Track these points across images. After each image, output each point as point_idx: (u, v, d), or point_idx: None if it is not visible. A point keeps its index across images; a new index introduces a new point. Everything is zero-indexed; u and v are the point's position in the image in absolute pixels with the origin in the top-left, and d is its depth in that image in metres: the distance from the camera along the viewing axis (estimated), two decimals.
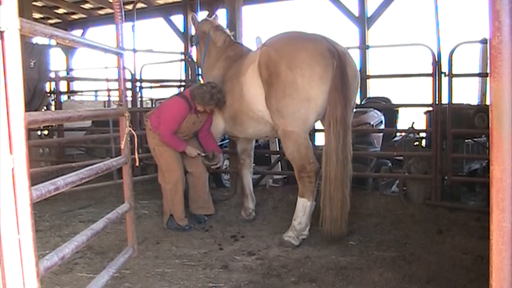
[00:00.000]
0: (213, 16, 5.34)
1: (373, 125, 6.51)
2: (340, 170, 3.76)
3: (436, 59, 4.87)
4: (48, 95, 7.13)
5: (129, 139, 2.73)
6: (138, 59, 7.02)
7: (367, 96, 8.48)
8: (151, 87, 8.01)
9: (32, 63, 6.15)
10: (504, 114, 1.19)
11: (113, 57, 3.01)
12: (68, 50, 11.74)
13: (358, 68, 8.50)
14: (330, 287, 3.13)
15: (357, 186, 5.64)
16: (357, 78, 4.05)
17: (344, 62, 3.81)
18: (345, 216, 3.86)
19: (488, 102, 2.10)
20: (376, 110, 6.68)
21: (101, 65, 10.75)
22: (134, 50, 6.96)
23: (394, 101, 7.13)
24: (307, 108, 3.81)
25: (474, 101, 6.70)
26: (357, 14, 9.18)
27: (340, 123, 3.74)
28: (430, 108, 5.12)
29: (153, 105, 8.19)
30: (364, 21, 9.09)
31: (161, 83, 7.82)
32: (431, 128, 5.04)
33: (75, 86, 11.26)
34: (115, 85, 6.98)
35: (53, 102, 7.51)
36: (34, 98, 6.32)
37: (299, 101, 3.78)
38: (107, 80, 6.97)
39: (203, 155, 4.56)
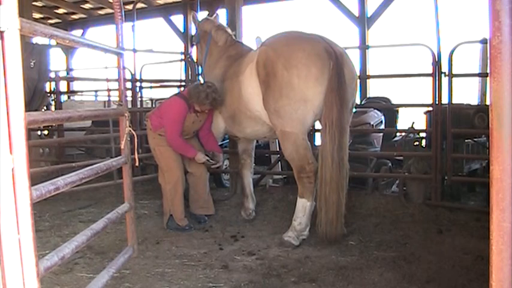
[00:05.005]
0: (214, 15, 5.34)
1: (373, 125, 6.51)
2: (335, 172, 3.75)
3: (436, 59, 4.87)
4: (48, 95, 7.13)
5: (129, 139, 2.74)
6: (138, 59, 7.03)
7: (367, 96, 8.48)
8: (151, 87, 8.01)
9: (32, 63, 6.15)
10: (504, 114, 1.19)
11: (113, 57, 3.01)
12: (68, 50, 11.74)
13: (358, 68, 8.52)
14: (330, 287, 3.13)
15: (357, 186, 5.64)
16: (354, 79, 4.03)
17: (341, 63, 3.79)
18: (340, 219, 3.86)
19: (488, 102, 2.10)
20: (376, 110, 6.68)
21: (101, 65, 10.76)
22: (134, 50, 6.96)
23: (394, 101, 7.12)
24: (304, 109, 3.80)
25: (474, 101, 6.70)
26: (357, 14, 9.18)
27: (336, 125, 3.72)
28: (430, 108, 5.12)
29: (153, 105, 8.19)
30: (364, 21, 9.10)
31: (161, 83, 7.82)
32: (431, 128, 5.04)
33: (75, 86, 11.28)
34: (115, 85, 6.99)
35: (53, 102, 7.51)
36: (34, 98, 6.32)
37: (296, 102, 3.78)
38: (107, 80, 6.97)
39: (211, 162, 4.54)
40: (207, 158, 4.50)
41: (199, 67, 5.48)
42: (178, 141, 4.35)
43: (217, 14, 5.38)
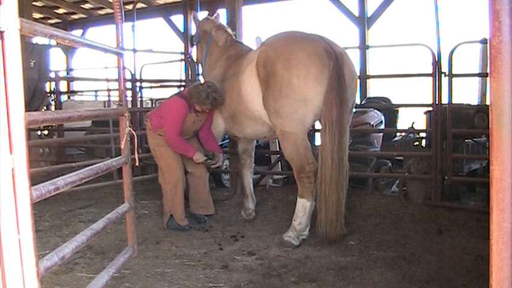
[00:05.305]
0: (215, 15, 5.34)
1: (373, 125, 6.51)
2: (335, 172, 3.74)
3: (436, 59, 4.87)
4: (48, 95, 7.13)
5: (129, 139, 2.73)
6: (138, 59, 7.03)
7: (367, 96, 8.48)
8: (151, 87, 8.01)
9: (32, 63, 6.15)
10: (504, 114, 1.19)
11: (113, 57, 3.01)
12: (68, 50, 11.74)
13: (358, 68, 8.52)
14: (330, 287, 3.13)
15: (357, 186, 5.64)
16: (354, 79, 4.03)
17: (341, 63, 3.79)
18: (340, 219, 3.85)
19: (488, 102, 2.10)
20: (376, 110, 6.68)
21: (101, 65, 10.76)
22: (134, 50, 6.96)
23: (394, 101, 7.13)
24: (304, 109, 3.80)
25: (474, 101, 6.70)
26: (357, 14, 9.19)
27: (336, 124, 3.72)
28: (430, 108, 5.12)
29: (153, 105, 8.19)
30: (364, 21, 9.10)
31: (161, 83, 7.82)
32: (431, 128, 5.04)
33: (75, 86, 11.28)
34: (115, 85, 6.99)
35: (53, 102, 7.51)
36: (34, 98, 6.32)
37: (295, 102, 3.77)
38: (107, 80, 6.97)
39: (209, 161, 4.55)
40: (205, 158, 4.50)
41: (200, 67, 5.47)
42: (177, 141, 4.35)
43: (218, 14, 5.38)
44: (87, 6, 11.30)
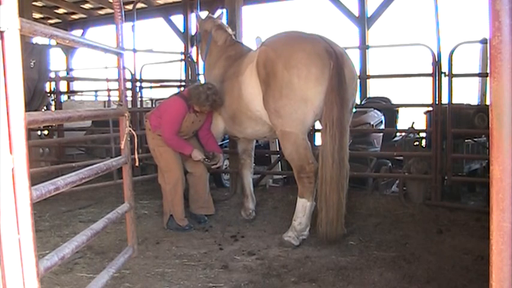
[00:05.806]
0: (219, 14, 5.33)
1: (373, 125, 6.51)
2: (336, 172, 3.74)
3: (436, 59, 4.87)
4: (48, 95, 7.13)
5: (129, 139, 2.73)
6: (138, 59, 7.03)
7: (367, 96, 8.48)
8: (151, 87, 8.01)
9: (32, 63, 6.15)
10: (504, 114, 1.19)
11: (113, 57, 3.01)
12: (68, 50, 11.74)
13: (358, 68, 8.52)
14: (330, 287, 3.13)
15: (357, 186, 5.64)
16: (354, 79, 4.03)
17: (341, 63, 3.79)
18: (340, 218, 3.85)
19: (488, 102, 2.11)
20: (376, 110, 6.68)
21: (101, 65, 10.75)
22: (134, 50, 6.96)
23: (394, 101, 7.13)
24: (304, 109, 3.80)
25: (474, 101, 6.70)
26: (357, 14, 9.19)
27: (337, 124, 3.72)
28: (430, 108, 5.12)
29: (153, 105, 8.19)
30: (364, 21, 9.10)
31: (161, 83, 7.82)
32: (431, 128, 5.04)
33: (75, 86, 11.28)
34: (115, 85, 6.99)
35: (53, 102, 7.51)
36: (34, 98, 6.32)
37: (296, 102, 3.77)
38: (107, 80, 6.97)
39: (207, 160, 4.55)
40: (203, 157, 4.50)
41: (202, 66, 5.46)
42: (174, 140, 4.36)
43: (222, 13, 5.37)
44: (87, 6, 11.31)
